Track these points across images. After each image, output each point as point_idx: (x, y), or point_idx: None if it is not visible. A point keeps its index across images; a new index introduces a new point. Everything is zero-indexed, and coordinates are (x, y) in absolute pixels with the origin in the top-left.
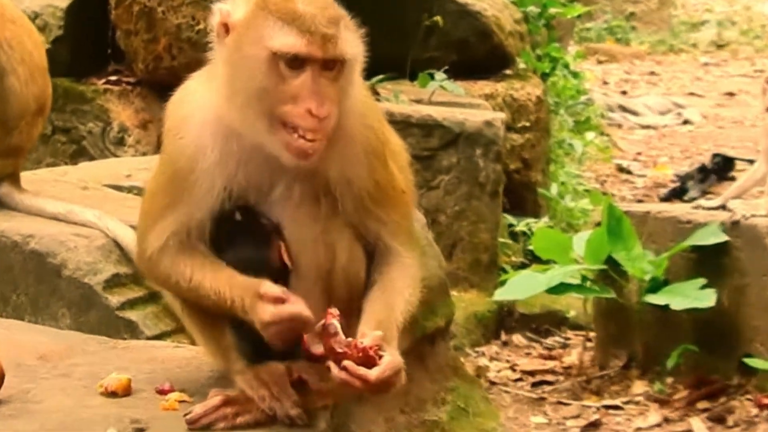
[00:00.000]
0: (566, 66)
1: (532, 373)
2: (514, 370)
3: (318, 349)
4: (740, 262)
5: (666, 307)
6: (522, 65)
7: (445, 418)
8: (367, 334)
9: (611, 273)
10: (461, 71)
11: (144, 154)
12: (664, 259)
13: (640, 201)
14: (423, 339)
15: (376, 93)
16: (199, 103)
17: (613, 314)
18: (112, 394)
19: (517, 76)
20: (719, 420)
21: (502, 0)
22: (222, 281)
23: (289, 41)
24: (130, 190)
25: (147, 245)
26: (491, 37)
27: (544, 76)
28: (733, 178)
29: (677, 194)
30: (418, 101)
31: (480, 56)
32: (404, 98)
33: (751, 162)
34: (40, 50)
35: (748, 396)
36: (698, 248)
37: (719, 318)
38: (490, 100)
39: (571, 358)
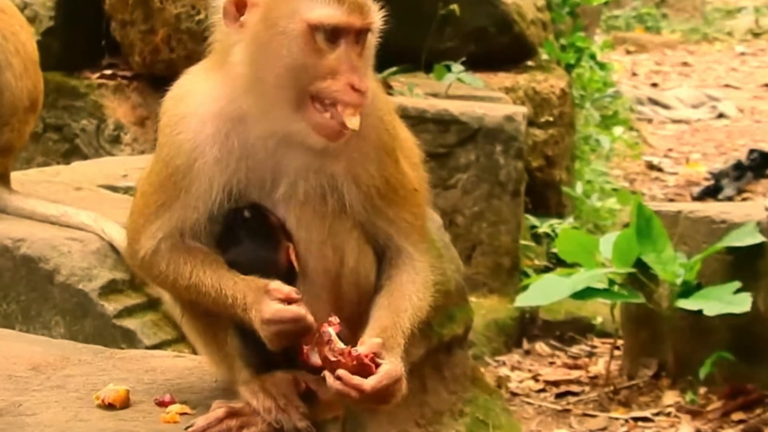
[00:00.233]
0: (592, 56)
1: (556, 384)
2: (536, 381)
3: (316, 359)
4: None
5: (699, 312)
6: (545, 56)
7: (464, 430)
8: (365, 342)
9: (640, 277)
10: (480, 62)
11: (141, 152)
12: (696, 261)
13: (671, 200)
14: (440, 347)
15: (388, 86)
16: (199, 98)
17: (643, 320)
18: (110, 407)
19: (540, 68)
20: None
21: None
22: (225, 278)
23: (329, 12)
24: (126, 191)
25: (139, 246)
26: (512, 26)
27: (569, 68)
28: None
29: (711, 193)
30: (434, 95)
31: (500, 46)
32: (419, 91)
33: None
34: (32, 42)
35: None
36: (733, 250)
37: (755, 323)
38: (511, 94)
39: (598, 367)
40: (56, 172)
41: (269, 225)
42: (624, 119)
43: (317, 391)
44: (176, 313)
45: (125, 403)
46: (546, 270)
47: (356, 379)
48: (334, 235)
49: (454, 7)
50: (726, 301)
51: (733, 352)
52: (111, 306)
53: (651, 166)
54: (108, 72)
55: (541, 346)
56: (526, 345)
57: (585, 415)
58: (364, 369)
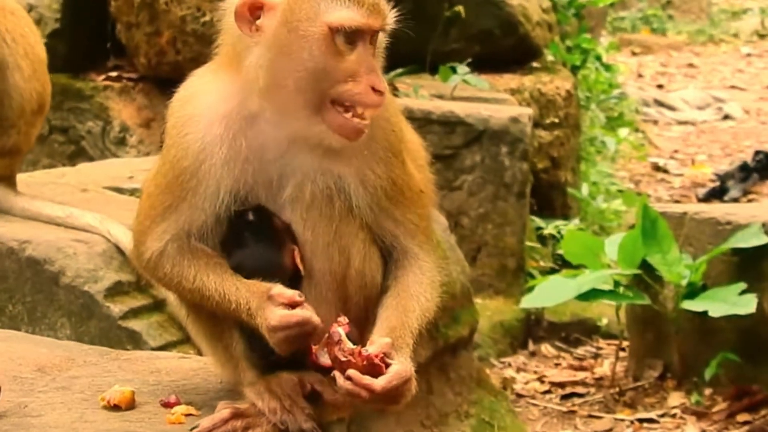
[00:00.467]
0: (598, 58)
1: (561, 385)
2: (542, 382)
3: (325, 359)
4: None
5: (704, 313)
6: (550, 57)
7: None
8: (374, 342)
9: (646, 278)
10: (485, 64)
11: (147, 154)
12: (702, 262)
13: (677, 201)
14: (445, 349)
15: (394, 88)
16: (208, 99)
17: (648, 322)
18: (115, 408)
19: (546, 69)
20: None
21: None
22: (228, 282)
23: (349, 14)
24: (132, 192)
25: (145, 248)
26: (517, 27)
27: (575, 69)
28: None
29: (717, 194)
30: (440, 96)
31: (505, 48)
32: (424, 93)
33: None
34: (41, 44)
35: None
36: (738, 251)
37: (761, 325)
38: (517, 95)
39: (603, 368)
40: (62, 173)
41: (274, 228)
42: (629, 121)
43: (322, 392)
44: (181, 314)
45: (131, 405)
46: (551, 271)
47: (367, 379)
48: (341, 236)
49: (460, 8)
50: (731, 302)
51: (739, 354)
52: (116, 307)
53: (656, 168)
54: (113, 74)
55: (546, 348)
56: (531, 346)
57: (590, 416)
58: (374, 369)
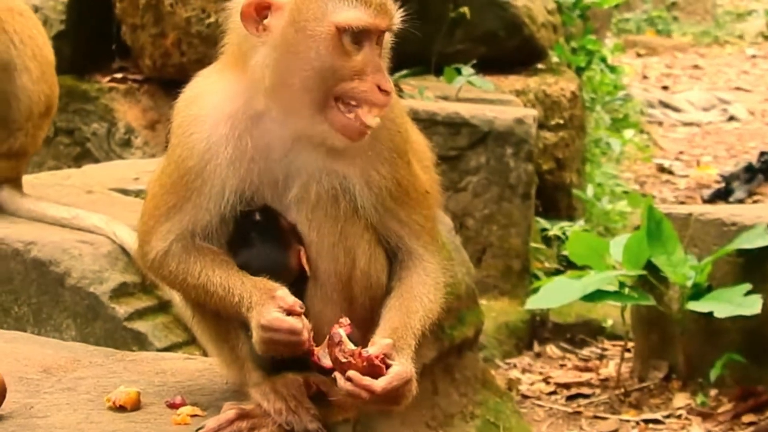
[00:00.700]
0: (603, 59)
1: (566, 386)
2: (547, 383)
3: (327, 360)
4: None
5: (709, 314)
6: (555, 59)
7: None
8: (375, 343)
9: (651, 279)
10: (490, 65)
11: (152, 156)
12: (707, 263)
13: (682, 203)
14: (450, 350)
15: (399, 89)
16: (213, 99)
17: (653, 323)
18: (121, 409)
19: (551, 71)
20: None
21: None
22: (234, 277)
23: (357, 14)
24: (137, 194)
25: (150, 248)
26: (522, 29)
27: (579, 71)
28: None
29: (722, 195)
30: (445, 98)
31: (510, 49)
32: (429, 95)
33: None
34: (49, 46)
35: None
36: (744, 252)
37: (766, 325)
38: (521, 96)
39: (609, 369)
40: (67, 175)
41: (280, 228)
42: (635, 122)
43: (328, 393)
44: (187, 315)
45: (136, 405)
46: (556, 272)
47: (366, 380)
48: (346, 237)
49: (465, 10)
50: (736, 303)
51: (744, 354)
52: (122, 309)
53: (662, 169)
54: (119, 76)
55: (551, 349)
56: (536, 347)
57: (596, 417)
58: (374, 370)
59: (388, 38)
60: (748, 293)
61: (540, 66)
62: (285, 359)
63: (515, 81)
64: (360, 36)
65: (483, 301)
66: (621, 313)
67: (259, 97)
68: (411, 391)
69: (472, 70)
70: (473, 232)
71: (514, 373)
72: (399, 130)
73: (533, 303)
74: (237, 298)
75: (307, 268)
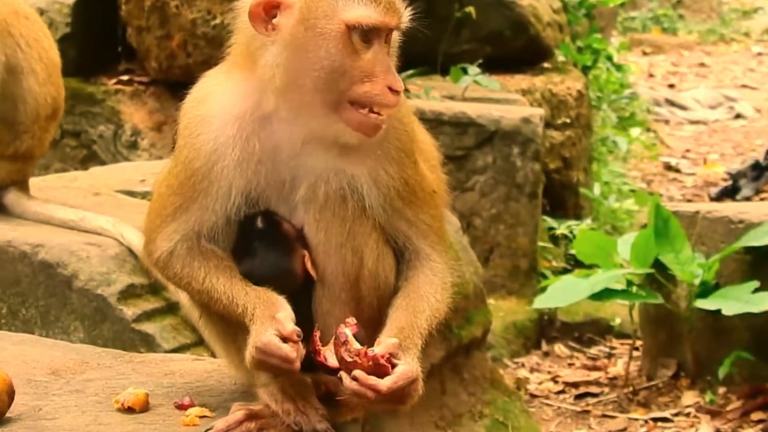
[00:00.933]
0: (609, 58)
1: (575, 385)
2: (556, 382)
3: (333, 360)
4: None
5: (717, 312)
6: (561, 58)
7: None
8: (381, 342)
9: (659, 277)
10: (496, 65)
11: (159, 158)
12: (715, 261)
13: (689, 201)
14: (458, 349)
15: (405, 89)
16: (221, 100)
17: (661, 321)
18: (129, 410)
19: (557, 70)
20: None
21: None
22: (236, 287)
23: (366, 12)
24: (144, 195)
25: (155, 247)
26: (528, 28)
27: (586, 69)
28: None
29: (729, 193)
30: (451, 97)
31: (516, 49)
32: (435, 94)
33: None
34: (55, 49)
35: None
36: (751, 249)
37: None
38: (528, 96)
39: (617, 368)
40: (74, 177)
41: (283, 234)
42: (641, 120)
43: (336, 393)
44: (194, 316)
45: (145, 407)
46: (564, 271)
47: (372, 380)
48: (354, 237)
49: (470, 9)
50: (744, 300)
51: (752, 352)
52: (130, 310)
53: (668, 167)
54: (125, 78)
55: (559, 348)
56: (544, 346)
57: (604, 416)
58: (380, 369)
59: (396, 37)
60: (756, 291)
61: (546, 65)
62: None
63: (521, 80)
64: (369, 34)
65: (491, 301)
66: (629, 312)
67: (268, 97)
68: (417, 390)
69: (478, 70)
70: (480, 232)
71: (523, 373)
72: (406, 130)
73: (541, 302)
74: (240, 308)
75: (313, 272)
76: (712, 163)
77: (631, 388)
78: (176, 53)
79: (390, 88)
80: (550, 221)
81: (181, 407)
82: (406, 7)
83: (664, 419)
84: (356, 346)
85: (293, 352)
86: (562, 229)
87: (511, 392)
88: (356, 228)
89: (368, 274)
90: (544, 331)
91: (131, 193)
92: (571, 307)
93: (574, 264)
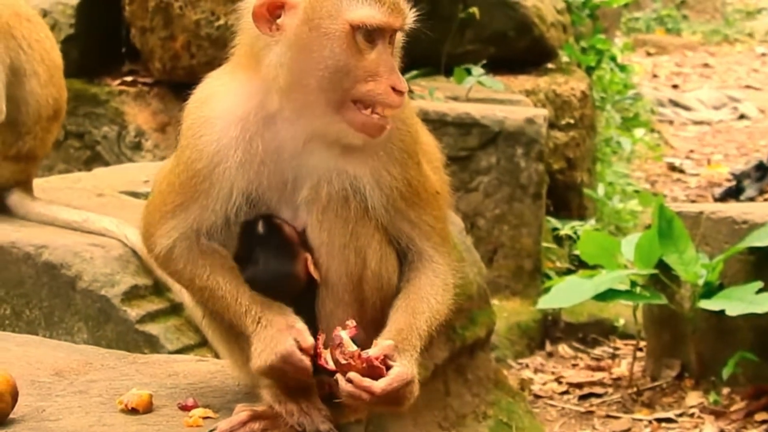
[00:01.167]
0: (613, 59)
1: (579, 386)
2: (560, 383)
3: (332, 363)
4: None
5: (721, 312)
6: (565, 58)
7: None
8: (377, 344)
9: (662, 278)
10: (500, 66)
11: (162, 158)
12: (719, 262)
13: (693, 201)
14: (462, 350)
15: (409, 90)
16: (224, 100)
17: (665, 321)
18: (133, 411)
19: (560, 70)
20: None
21: None
22: (242, 286)
23: (371, 12)
24: (147, 197)
25: (153, 242)
26: (532, 28)
27: (590, 70)
28: None
29: (733, 194)
30: (455, 98)
31: (520, 49)
32: (439, 95)
33: None
34: (57, 50)
35: None
36: (755, 250)
37: None
38: (532, 96)
39: (621, 368)
40: (78, 178)
41: (284, 238)
42: (645, 121)
43: (338, 395)
44: (198, 317)
45: (148, 408)
46: (568, 272)
47: (366, 382)
48: (357, 237)
49: (474, 10)
50: (748, 301)
51: (756, 353)
52: (133, 311)
53: (672, 168)
54: (128, 79)
55: (563, 348)
56: (548, 347)
57: (608, 416)
58: (374, 371)
59: (400, 37)
60: (760, 291)
61: (550, 66)
62: None
63: (525, 81)
64: (373, 35)
65: (495, 302)
66: (633, 312)
67: (272, 98)
68: (412, 392)
69: (482, 71)
70: (484, 233)
71: (527, 373)
72: (409, 131)
73: (545, 303)
74: (244, 308)
75: (316, 275)
76: (716, 164)
77: (635, 389)
78: (180, 54)
79: (393, 88)
80: (554, 222)
81: (185, 408)
82: (410, 8)
83: (668, 420)
84: (351, 348)
85: (310, 365)
86: (566, 229)
87: (515, 393)
88: (359, 229)
89: (371, 275)
90: (548, 331)
91: (135, 194)
92: (575, 307)
93: (578, 264)
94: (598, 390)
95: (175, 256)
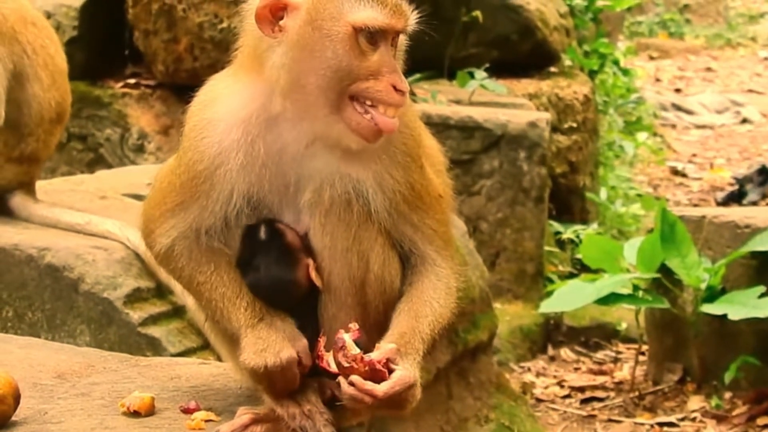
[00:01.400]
0: (616, 62)
1: (581, 390)
2: (562, 387)
3: (335, 366)
4: None
5: (723, 317)
6: (568, 62)
7: None
8: (380, 347)
9: (665, 282)
10: (503, 69)
11: (165, 161)
12: (721, 266)
13: (695, 205)
14: (464, 353)
15: (412, 93)
16: (227, 103)
17: (667, 326)
18: (135, 414)
19: (563, 74)
20: None
21: None
22: (244, 287)
23: (373, 14)
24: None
25: (154, 241)
26: (535, 32)
27: (592, 74)
28: None
29: (735, 198)
30: (457, 102)
31: (523, 53)
32: (442, 98)
33: None
34: (61, 54)
35: None
36: (757, 254)
37: None
38: (534, 100)
39: (623, 372)
40: (80, 181)
41: (286, 245)
42: (648, 125)
43: (340, 398)
44: (200, 320)
45: (150, 411)
46: (570, 276)
47: (369, 385)
48: (360, 241)
49: (477, 13)
50: (751, 305)
51: (758, 357)
52: (136, 314)
53: (675, 172)
54: (131, 81)
55: (565, 352)
56: (550, 351)
57: (610, 420)
58: (376, 375)
59: (402, 40)
60: (762, 295)
61: (553, 69)
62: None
63: (528, 84)
64: (376, 36)
65: (497, 305)
66: (635, 316)
67: (274, 100)
68: (414, 396)
69: (484, 74)
70: (487, 236)
71: (529, 377)
72: (412, 134)
73: (547, 306)
74: (246, 303)
75: (317, 282)
76: (719, 168)
77: (637, 393)
78: (183, 57)
79: (395, 87)
80: (557, 225)
81: (187, 411)
82: (412, 11)
83: (670, 424)
84: (354, 351)
85: (299, 382)
86: (568, 233)
87: (517, 396)
88: (362, 232)
89: (374, 278)
90: (550, 335)
91: (138, 197)
92: (578, 311)
93: (581, 268)
94: (600, 394)
95: (175, 254)
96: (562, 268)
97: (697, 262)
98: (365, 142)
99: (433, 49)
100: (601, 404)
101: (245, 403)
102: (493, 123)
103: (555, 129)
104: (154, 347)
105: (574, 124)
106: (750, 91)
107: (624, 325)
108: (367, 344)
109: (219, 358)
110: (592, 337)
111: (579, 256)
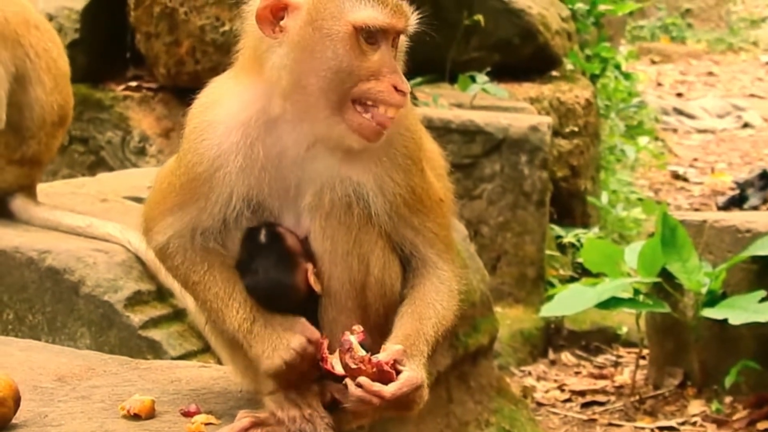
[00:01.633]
0: (617, 67)
1: (581, 393)
2: (562, 390)
3: (339, 367)
4: None
5: (724, 321)
6: (570, 66)
7: None
8: (386, 349)
9: (666, 286)
10: (504, 73)
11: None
12: (722, 270)
13: (696, 210)
14: (465, 357)
15: (413, 97)
16: (228, 105)
17: (668, 330)
18: (135, 417)
19: (565, 78)
20: None
21: None
22: (240, 286)
23: (373, 14)
24: None
25: (151, 237)
26: (536, 36)
27: (594, 78)
28: None
29: (736, 202)
30: (459, 105)
31: (524, 57)
32: (443, 102)
33: None
34: (64, 57)
35: None
36: (758, 259)
37: None
38: (536, 104)
39: (624, 377)
40: (82, 183)
41: (286, 249)
42: (649, 129)
43: (342, 401)
44: (201, 323)
45: (151, 414)
46: (571, 280)
47: (377, 386)
48: (360, 244)
49: (479, 17)
50: (751, 310)
51: (759, 361)
52: (136, 317)
53: (676, 176)
54: (133, 84)
55: (566, 356)
56: (551, 355)
57: (611, 424)
58: (384, 376)
59: (403, 41)
60: (763, 300)
61: (554, 73)
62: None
63: (529, 88)
64: (376, 36)
65: (498, 309)
66: (636, 321)
67: (275, 101)
68: (422, 397)
69: (486, 78)
70: (488, 240)
71: (529, 381)
72: (413, 138)
73: (548, 310)
74: (238, 304)
75: (316, 287)
76: (720, 172)
77: (637, 397)
78: (185, 60)
79: (395, 88)
80: (558, 229)
81: (187, 414)
82: (413, 11)
83: (671, 428)
84: (361, 353)
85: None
86: (569, 237)
87: (517, 400)
88: (362, 236)
89: (374, 281)
90: (551, 339)
91: (139, 200)
92: (578, 315)
93: (581, 272)
94: (600, 398)
95: (169, 252)
96: (563, 272)
97: (697, 266)
98: (366, 141)
99: (435, 53)
100: (601, 408)
101: (245, 406)
102: (495, 127)
103: (556, 133)
104: (155, 350)
105: (576, 128)
106: (751, 95)
107: (625, 329)
108: (371, 346)
109: (219, 361)
110: (593, 341)
111: (580, 260)
